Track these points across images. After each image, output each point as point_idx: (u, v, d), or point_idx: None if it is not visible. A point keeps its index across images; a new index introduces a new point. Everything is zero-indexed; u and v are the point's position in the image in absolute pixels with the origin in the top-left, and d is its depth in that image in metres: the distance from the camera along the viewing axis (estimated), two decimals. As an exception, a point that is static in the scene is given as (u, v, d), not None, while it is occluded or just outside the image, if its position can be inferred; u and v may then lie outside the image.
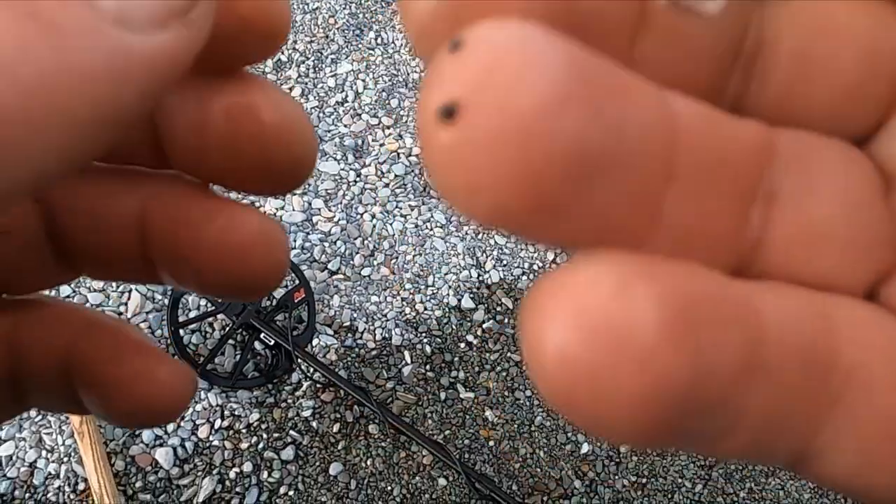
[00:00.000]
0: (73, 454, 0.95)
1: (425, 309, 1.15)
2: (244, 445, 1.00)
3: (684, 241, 0.11)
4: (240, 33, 0.14)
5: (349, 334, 1.11)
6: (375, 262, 1.18)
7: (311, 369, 1.03)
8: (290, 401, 1.04)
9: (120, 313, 1.04)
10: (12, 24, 0.10)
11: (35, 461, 0.95)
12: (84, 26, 0.10)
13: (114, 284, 1.06)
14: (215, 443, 0.99)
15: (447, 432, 1.06)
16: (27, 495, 0.93)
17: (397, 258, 1.20)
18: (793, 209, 0.12)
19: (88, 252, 0.16)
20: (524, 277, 1.22)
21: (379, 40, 1.47)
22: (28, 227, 0.16)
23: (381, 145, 1.30)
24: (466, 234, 1.25)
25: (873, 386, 0.12)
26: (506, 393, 1.12)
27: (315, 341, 1.08)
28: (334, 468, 1.00)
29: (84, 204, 0.15)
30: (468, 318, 1.16)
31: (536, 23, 0.09)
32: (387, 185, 1.26)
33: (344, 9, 1.50)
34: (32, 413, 0.97)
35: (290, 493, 0.98)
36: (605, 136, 0.09)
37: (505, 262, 1.23)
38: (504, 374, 1.14)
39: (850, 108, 0.13)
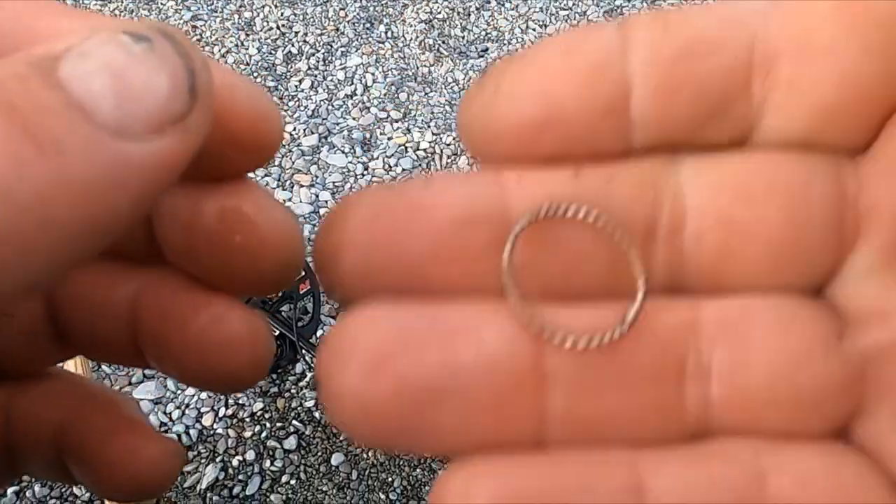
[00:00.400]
0: (79, 439, 0.96)
1: (430, 303, 1.16)
2: (248, 434, 1.01)
3: (588, 429, 0.13)
4: (230, 147, 0.14)
5: (353, 326, 1.11)
6: (381, 255, 1.19)
7: (316, 360, 1.04)
8: (293, 391, 1.05)
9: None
10: (9, 142, 0.09)
11: (42, 445, 0.96)
12: (83, 140, 0.10)
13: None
14: (219, 431, 1.01)
15: (449, 425, 1.06)
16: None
17: (403, 252, 1.20)
18: (729, 380, 0.13)
19: (84, 336, 0.16)
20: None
21: (389, 34, 1.48)
22: (29, 310, 0.16)
23: (390, 139, 1.31)
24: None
25: None
26: (508, 388, 1.13)
27: (319, 332, 1.09)
28: (336, 458, 1.01)
29: (81, 291, 0.16)
30: (472, 313, 1.16)
31: (384, 300, 0.13)
32: (394, 179, 1.27)
33: (355, 2, 1.50)
34: (40, 397, 0.98)
35: (292, 481, 0.99)
36: (432, 376, 0.12)
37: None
38: (507, 369, 1.14)
39: (790, 263, 0.13)
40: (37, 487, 0.94)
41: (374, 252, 0.13)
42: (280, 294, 1.08)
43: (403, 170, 1.28)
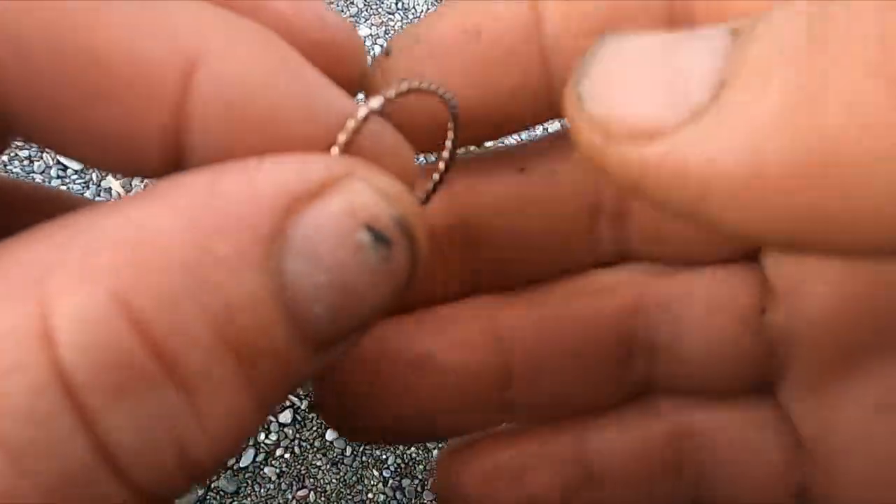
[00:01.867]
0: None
1: (430, 281, 1.15)
2: (243, 406, 1.01)
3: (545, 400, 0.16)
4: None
5: (353, 302, 1.11)
6: (383, 232, 1.17)
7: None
8: (290, 365, 1.05)
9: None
10: (241, 410, 0.10)
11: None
12: (287, 373, 0.10)
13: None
14: (215, 402, 1.01)
15: (445, 405, 1.07)
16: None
17: (405, 228, 1.18)
18: (668, 358, 0.15)
19: None
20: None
21: (399, 5, 1.45)
22: None
23: (396, 113, 1.29)
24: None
25: None
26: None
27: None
28: (331, 434, 1.01)
29: None
30: (473, 293, 1.16)
31: None
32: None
33: (365, -29, 1.47)
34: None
35: (286, 455, 1.00)
36: None
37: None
38: (506, 350, 1.13)
39: (720, 239, 0.15)
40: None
41: None
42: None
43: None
